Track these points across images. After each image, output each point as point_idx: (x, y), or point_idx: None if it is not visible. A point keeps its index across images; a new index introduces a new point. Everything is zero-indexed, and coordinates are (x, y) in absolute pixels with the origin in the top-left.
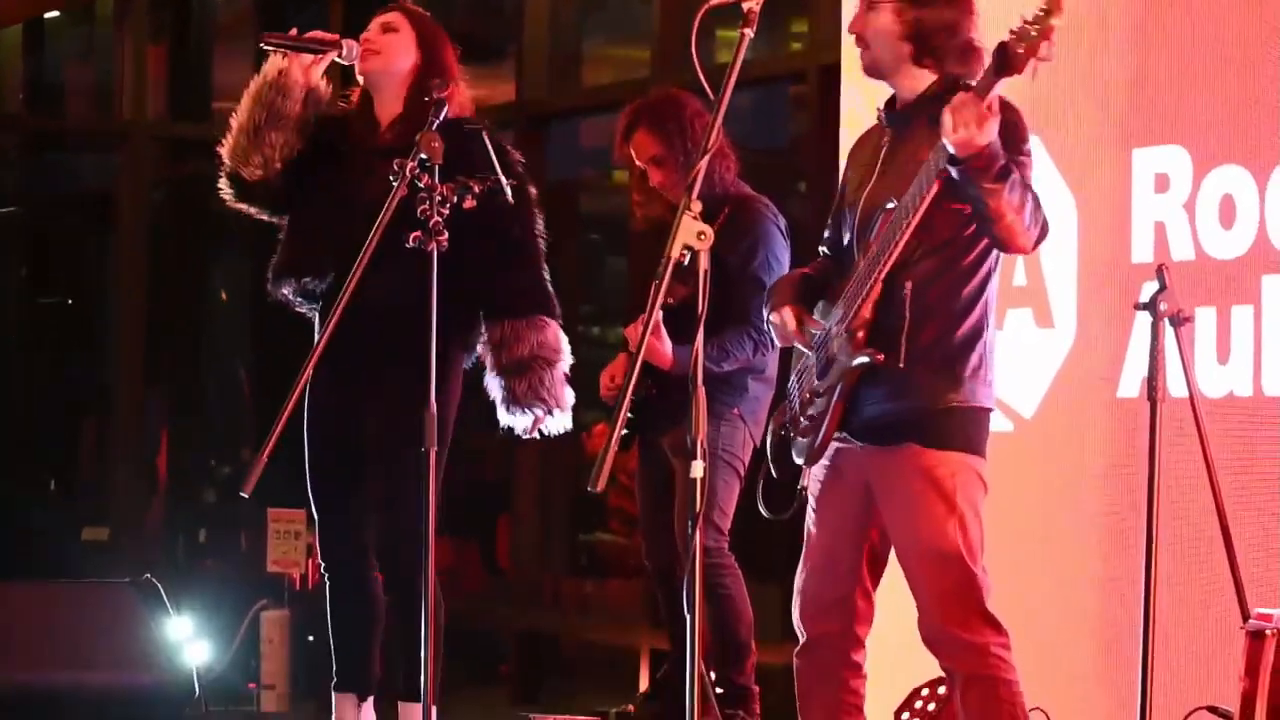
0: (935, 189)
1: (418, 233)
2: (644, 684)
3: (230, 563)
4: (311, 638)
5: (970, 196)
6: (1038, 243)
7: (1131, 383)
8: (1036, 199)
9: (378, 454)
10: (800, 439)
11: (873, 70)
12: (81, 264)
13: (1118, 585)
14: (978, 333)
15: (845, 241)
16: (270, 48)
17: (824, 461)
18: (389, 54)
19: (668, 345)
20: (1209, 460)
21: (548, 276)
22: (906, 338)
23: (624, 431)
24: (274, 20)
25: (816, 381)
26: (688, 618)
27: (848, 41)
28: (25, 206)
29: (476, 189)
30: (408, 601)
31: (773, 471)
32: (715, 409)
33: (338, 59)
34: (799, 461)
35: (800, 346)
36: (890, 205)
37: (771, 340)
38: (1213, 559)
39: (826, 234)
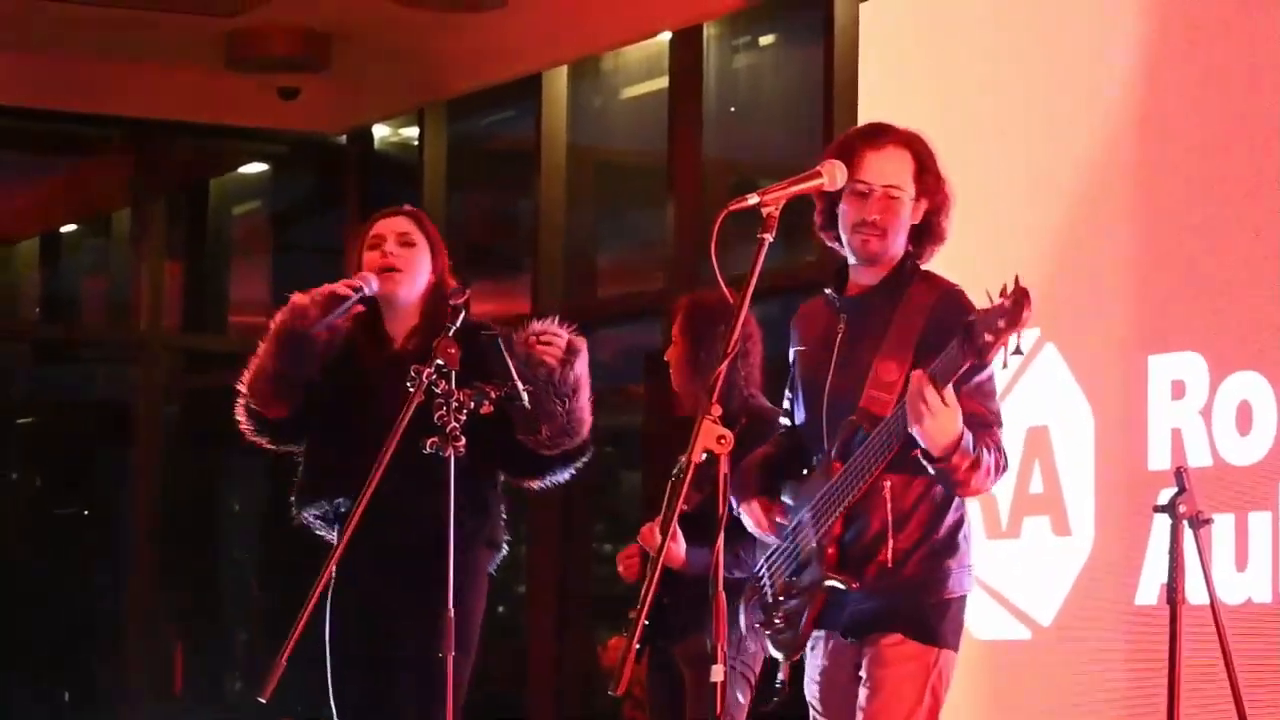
0: (897, 448)
1: (434, 439)
2: None
3: None
4: None
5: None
6: (997, 481)
7: (1150, 589)
8: (998, 443)
9: (408, 662)
10: (777, 635)
11: (878, 258)
12: (95, 474)
13: None
14: (959, 521)
15: (806, 421)
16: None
17: (820, 658)
18: (410, 271)
19: (682, 546)
20: (1229, 662)
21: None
22: (891, 535)
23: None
24: (289, 233)
25: (791, 578)
26: None
27: None
28: (41, 416)
29: (493, 395)
30: None
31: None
32: (730, 616)
33: (368, 296)
34: (777, 655)
35: (768, 539)
36: (857, 410)
37: None
38: None
39: (786, 405)
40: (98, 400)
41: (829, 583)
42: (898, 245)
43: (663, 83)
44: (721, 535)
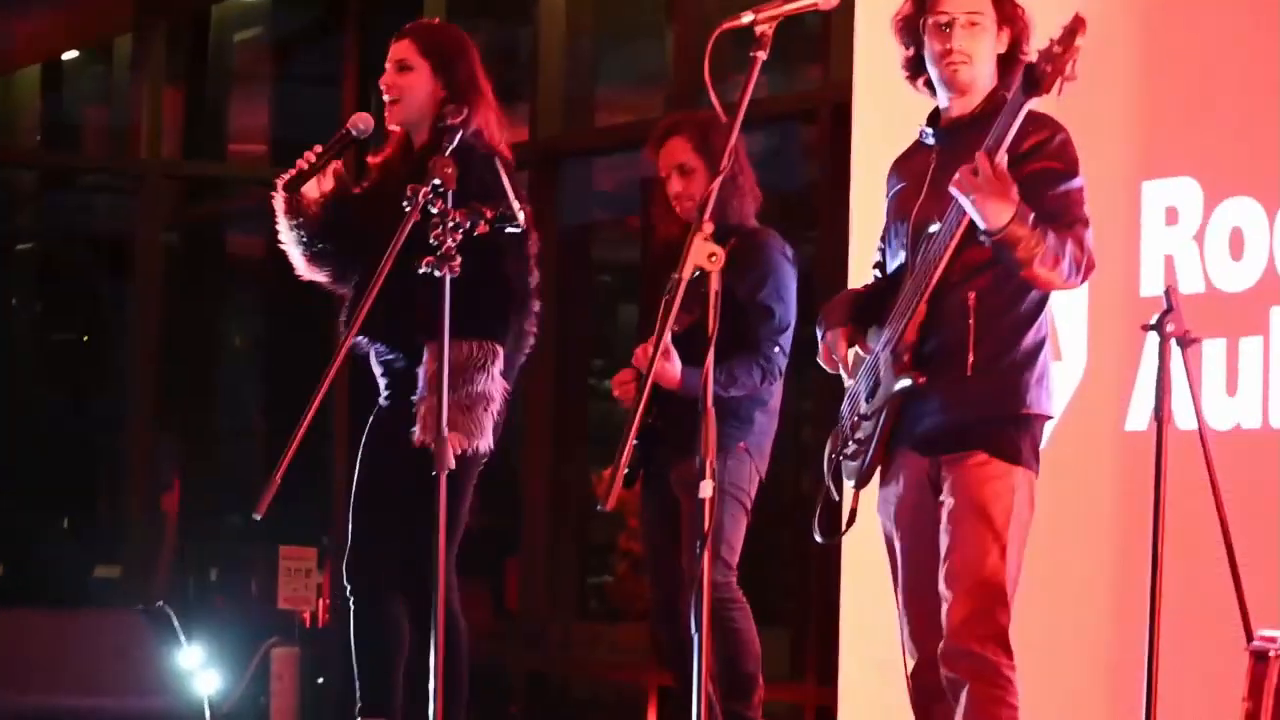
0: (964, 224)
1: (430, 258)
2: None
3: (241, 600)
4: (321, 680)
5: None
6: (1083, 279)
7: (1140, 415)
8: (1080, 241)
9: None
10: (850, 462)
11: (967, 87)
12: (96, 302)
13: (1125, 613)
14: (1041, 341)
15: (899, 259)
16: (290, 192)
17: (894, 482)
18: (409, 98)
19: (677, 366)
20: (1215, 483)
21: (523, 321)
22: (973, 346)
23: (627, 468)
24: (290, 60)
25: (864, 405)
26: (694, 639)
27: (860, 81)
28: (41, 244)
29: (489, 214)
30: (427, 632)
31: (833, 493)
32: (721, 442)
33: (360, 139)
34: (849, 484)
35: (844, 375)
36: (934, 228)
37: (779, 369)
38: (1218, 584)
39: (876, 255)
40: (98, 227)
41: (900, 384)
42: (985, 74)
43: None
44: (712, 352)
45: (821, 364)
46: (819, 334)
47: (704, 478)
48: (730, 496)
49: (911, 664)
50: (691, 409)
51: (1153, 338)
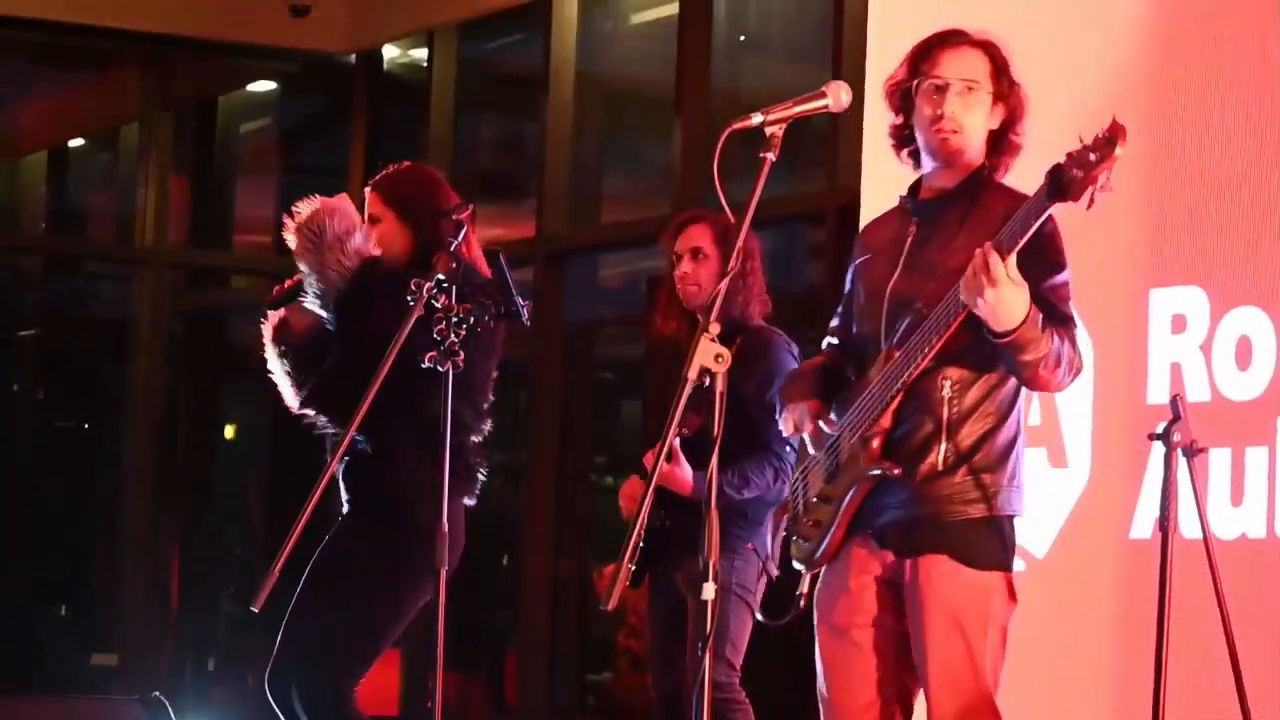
0: (961, 317)
1: (433, 353)
2: None
3: (239, 691)
4: None
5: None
6: (1072, 381)
7: (1145, 523)
8: (1074, 341)
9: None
10: (803, 542)
11: (955, 158)
12: (98, 388)
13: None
14: (1015, 436)
15: (863, 330)
16: (272, 309)
17: (840, 567)
18: (385, 247)
19: (687, 471)
20: (1219, 591)
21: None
22: (946, 438)
23: (634, 566)
24: (296, 152)
25: (824, 485)
26: None
27: (867, 183)
28: (44, 330)
29: (494, 309)
30: None
31: (771, 573)
32: (729, 542)
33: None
34: (798, 566)
35: (809, 443)
36: (919, 305)
37: (790, 468)
38: (1221, 692)
39: (835, 322)
40: (101, 314)
41: (873, 471)
42: (975, 148)
43: (673, 9)
44: (717, 453)
45: (784, 433)
46: (777, 406)
47: (706, 579)
48: (736, 596)
49: None
50: (700, 511)
51: (1158, 447)
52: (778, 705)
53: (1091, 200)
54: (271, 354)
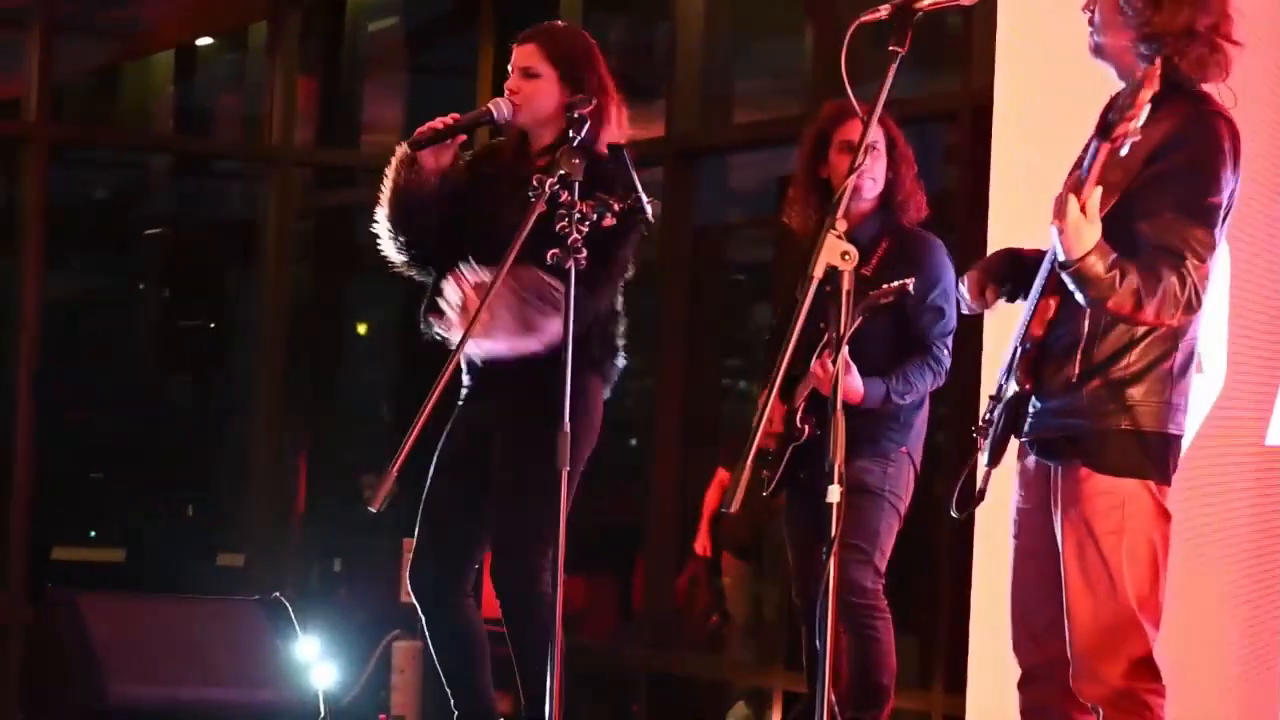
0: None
1: (556, 250)
2: None
3: (364, 592)
4: None
5: None
6: (1185, 316)
7: None
8: (1154, 274)
9: (503, 472)
10: (982, 439)
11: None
12: (224, 289)
13: (1260, 630)
14: (1165, 353)
15: None
16: (414, 149)
17: (1023, 463)
18: (533, 103)
19: (857, 380)
20: None
21: (602, 305)
22: (1082, 351)
23: (763, 473)
24: (424, 51)
25: (1001, 383)
26: (818, 646)
27: (1001, 83)
28: (171, 229)
29: (616, 206)
30: (518, 619)
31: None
32: (884, 447)
33: (497, 123)
34: (981, 462)
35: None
36: None
37: (945, 371)
38: None
39: None
40: (228, 214)
41: (1011, 389)
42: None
43: None
44: (844, 351)
45: (969, 304)
46: (966, 282)
47: (831, 482)
48: (888, 503)
49: (1018, 674)
50: (853, 415)
51: None
52: (905, 609)
53: (1122, 143)
54: (387, 190)
